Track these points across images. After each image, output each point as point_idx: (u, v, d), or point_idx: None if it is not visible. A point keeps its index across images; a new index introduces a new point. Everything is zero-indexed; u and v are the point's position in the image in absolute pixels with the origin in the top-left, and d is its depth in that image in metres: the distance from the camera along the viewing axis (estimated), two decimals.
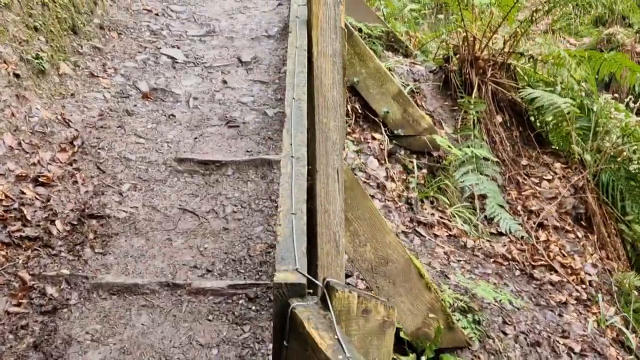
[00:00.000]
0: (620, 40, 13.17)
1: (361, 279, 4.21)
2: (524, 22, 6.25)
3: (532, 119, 6.82)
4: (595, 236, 6.08)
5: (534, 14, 6.26)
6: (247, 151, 5.30)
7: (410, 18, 9.84)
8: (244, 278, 4.08)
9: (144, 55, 6.70)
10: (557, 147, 6.70)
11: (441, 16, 11.54)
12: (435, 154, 5.83)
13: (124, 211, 4.62)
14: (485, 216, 5.69)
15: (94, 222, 4.45)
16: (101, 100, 5.82)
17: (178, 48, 7.00)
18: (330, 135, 3.57)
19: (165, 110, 5.88)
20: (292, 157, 2.34)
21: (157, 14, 7.67)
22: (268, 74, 6.60)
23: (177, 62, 6.71)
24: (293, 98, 2.72)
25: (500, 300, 4.50)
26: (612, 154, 6.28)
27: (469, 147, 6.04)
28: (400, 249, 3.81)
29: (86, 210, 4.53)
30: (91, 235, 4.34)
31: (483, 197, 5.81)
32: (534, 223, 5.75)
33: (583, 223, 6.19)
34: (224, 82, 6.42)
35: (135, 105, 5.85)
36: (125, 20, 7.28)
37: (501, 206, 5.79)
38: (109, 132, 5.40)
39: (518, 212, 5.90)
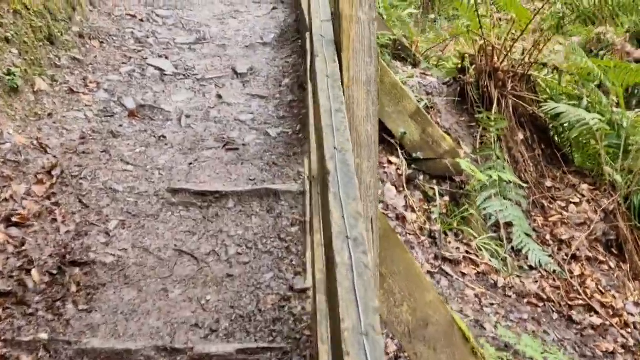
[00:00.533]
0: (610, 39, 12.71)
1: (391, 338, 3.63)
2: (548, 29, 5.71)
3: (553, 135, 6.27)
4: (628, 265, 5.55)
5: (561, 21, 5.72)
6: (250, 179, 4.69)
7: (408, 22, 9.26)
8: (255, 340, 3.47)
9: (129, 67, 6.06)
10: (583, 167, 6.16)
11: (432, 16, 10.95)
12: (457, 179, 5.26)
13: (111, 255, 3.99)
14: (513, 247, 5.13)
15: (76, 270, 3.82)
16: (82, 120, 5.18)
17: (166, 58, 6.37)
18: (363, 177, 2.98)
19: (155, 130, 5.25)
20: (347, 237, 1.75)
21: (141, 20, 7.03)
22: (267, 87, 5.99)
23: (165, 74, 6.08)
24: (335, 148, 2.12)
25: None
26: None
27: (490, 168, 5.48)
28: (443, 308, 3.23)
29: (67, 256, 3.89)
30: (74, 288, 3.70)
31: (508, 224, 5.25)
32: (566, 255, 5.20)
33: (614, 250, 5.66)
34: (219, 96, 5.80)
35: (121, 126, 5.22)
36: (108, 27, 6.64)
37: (528, 235, 5.23)
38: (92, 158, 4.77)
39: (547, 242, 5.34)
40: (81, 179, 4.54)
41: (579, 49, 6.62)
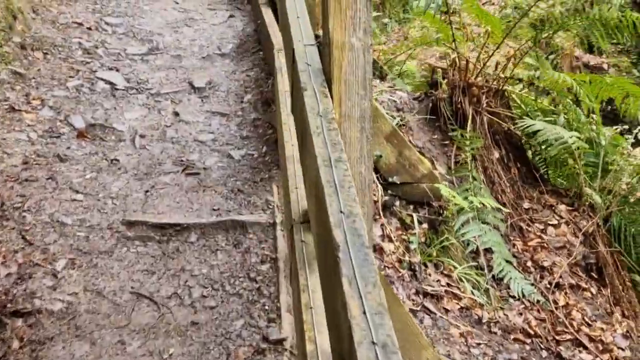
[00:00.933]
0: (560, 44, 12.65)
1: None
2: (526, 42, 5.43)
3: (529, 153, 6.00)
4: (609, 290, 5.31)
5: (538, 34, 5.44)
6: (214, 209, 4.28)
7: (373, 28, 8.91)
8: None
9: (77, 81, 5.57)
10: (559, 185, 5.90)
11: (386, 20, 10.60)
12: (435, 203, 4.93)
13: (59, 300, 3.54)
14: (494, 276, 4.83)
15: (19, 322, 3.35)
16: (25, 142, 4.69)
17: (117, 70, 5.90)
18: (356, 226, 2.61)
19: (107, 152, 4.79)
20: (373, 343, 1.37)
21: (89, 28, 6.53)
22: (228, 103, 5.57)
23: (117, 89, 5.61)
24: (341, 212, 1.74)
25: None
26: (623, 194, 5.51)
27: (467, 190, 5.17)
28: None
29: (8, 305, 3.42)
30: (16, 344, 3.24)
31: (488, 250, 4.95)
32: (549, 284, 4.92)
33: (594, 274, 5.41)
34: (176, 114, 5.37)
35: (69, 148, 4.75)
36: (52, 37, 6.12)
37: (509, 262, 4.94)
38: (36, 186, 4.29)
39: (528, 269, 5.06)
40: (24, 211, 4.06)
41: (544, 61, 6.38)
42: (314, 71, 2.49)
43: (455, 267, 4.67)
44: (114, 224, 4.09)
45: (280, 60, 4.31)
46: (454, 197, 4.56)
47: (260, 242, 4.02)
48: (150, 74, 5.97)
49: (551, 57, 10.59)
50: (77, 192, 4.32)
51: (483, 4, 11.50)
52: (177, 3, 7.72)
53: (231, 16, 7.41)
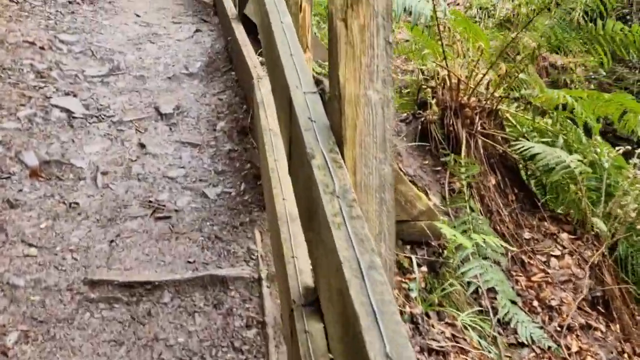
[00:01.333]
0: (526, 44, 12.35)
1: None
2: (523, 58, 5.01)
3: (525, 177, 5.56)
4: (618, 326, 4.91)
5: (536, 50, 5.02)
6: (189, 261, 3.76)
7: None
8: None
9: (29, 110, 5.00)
10: (557, 210, 5.48)
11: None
12: (434, 242, 4.47)
13: None
14: (499, 320, 4.39)
15: None
16: None
17: (74, 95, 5.33)
18: None
19: (65, 194, 4.24)
20: None
21: (42, 48, 5.95)
22: (199, 131, 5.05)
23: (74, 117, 5.06)
24: (388, 357, 1.26)
25: None
26: (630, 221, 5.11)
27: (465, 223, 4.74)
28: None
29: None
30: None
31: (491, 290, 4.51)
32: (559, 326, 4.50)
33: (600, 308, 5.01)
34: (141, 145, 4.83)
35: (20, 191, 4.19)
36: (0, 59, 5.53)
37: (514, 302, 4.51)
38: None
39: (534, 309, 4.63)
40: None
41: (537, 77, 5.97)
42: (320, 129, 2.00)
43: (458, 310, 4.22)
44: (74, 284, 3.55)
45: (261, 92, 3.80)
46: (455, 236, 4.10)
47: (245, 300, 3.52)
48: (112, 98, 5.43)
49: (518, 57, 10.26)
50: (31, 245, 3.77)
51: (448, 5, 11.08)
52: (139, 16, 7.17)
53: (198, 30, 6.88)
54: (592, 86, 11.76)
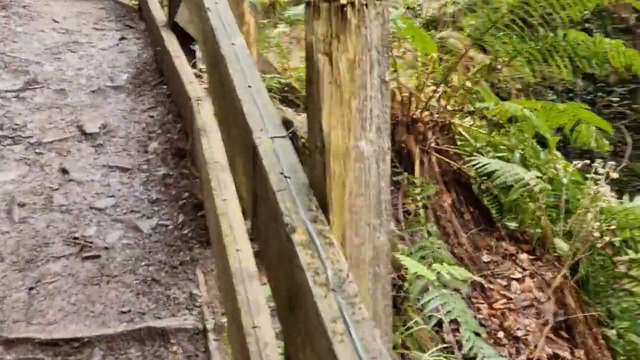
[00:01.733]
0: (454, 44, 12.31)
1: None
2: (480, 69, 4.71)
3: (479, 194, 5.27)
4: (582, 352, 4.66)
5: (493, 62, 4.74)
6: (122, 311, 3.28)
7: (281, 44, 8.04)
8: None
9: None
10: (515, 228, 5.21)
11: (281, 29, 9.64)
12: (394, 274, 4.11)
13: None
14: (464, 356, 4.06)
15: None
16: None
17: None
18: None
19: None
20: None
21: None
22: (128, 153, 4.56)
23: None
24: None
25: None
26: (592, 240, 4.87)
27: (422, 248, 4.40)
28: None
29: None
30: None
31: (454, 321, 4.19)
32: (527, 359, 4.20)
33: (563, 333, 4.75)
34: (64, 171, 4.31)
35: None
36: None
37: (478, 334, 4.18)
38: None
39: (500, 341, 4.33)
40: None
41: (488, 89, 5.70)
42: (297, 189, 1.59)
43: (421, 349, 3.87)
44: None
45: (202, 117, 3.35)
46: (421, 270, 3.75)
47: (189, 357, 3.07)
48: (29, 116, 4.87)
49: (445, 56, 10.11)
50: None
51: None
52: (57, 22, 6.58)
53: (123, 38, 6.34)
54: (518, 85, 11.74)
